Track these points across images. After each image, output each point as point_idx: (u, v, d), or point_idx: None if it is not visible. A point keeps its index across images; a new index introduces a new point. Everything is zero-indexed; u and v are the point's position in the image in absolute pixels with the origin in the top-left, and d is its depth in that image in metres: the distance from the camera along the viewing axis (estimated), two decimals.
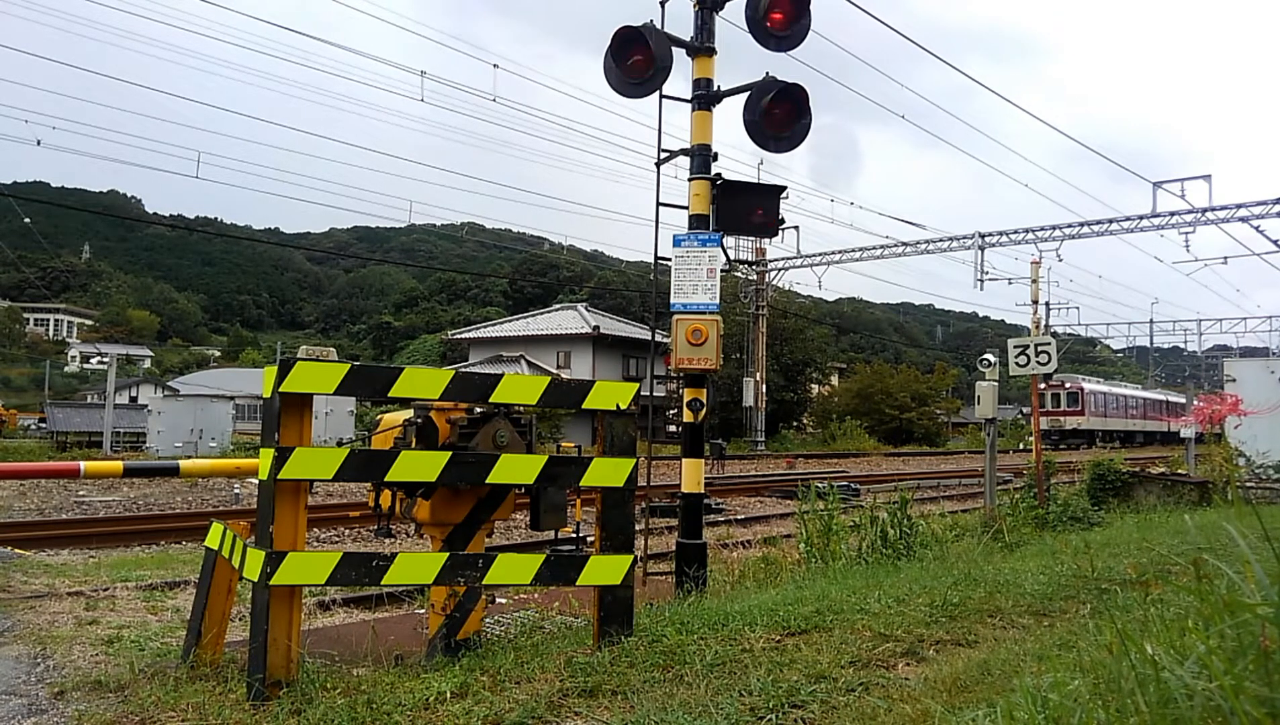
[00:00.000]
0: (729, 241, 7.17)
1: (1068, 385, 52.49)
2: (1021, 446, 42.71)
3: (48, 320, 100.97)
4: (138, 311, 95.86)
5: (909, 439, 51.65)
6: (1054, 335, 16.08)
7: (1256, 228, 29.23)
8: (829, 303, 73.46)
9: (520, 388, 3.87)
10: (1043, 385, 51.65)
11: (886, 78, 21.07)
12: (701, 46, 6.66)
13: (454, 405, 4.08)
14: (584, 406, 4.00)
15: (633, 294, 66.79)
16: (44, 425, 36.72)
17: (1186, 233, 30.86)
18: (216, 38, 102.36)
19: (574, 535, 9.53)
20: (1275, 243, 29.62)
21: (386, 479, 3.67)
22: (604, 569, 3.89)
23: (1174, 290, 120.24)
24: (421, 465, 3.63)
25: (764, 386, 38.96)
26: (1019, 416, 56.96)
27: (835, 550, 7.48)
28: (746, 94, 6.66)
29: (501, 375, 3.84)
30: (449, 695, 3.14)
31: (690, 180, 6.70)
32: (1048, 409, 49.40)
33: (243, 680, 3.40)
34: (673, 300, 6.59)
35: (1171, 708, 1.72)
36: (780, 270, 40.32)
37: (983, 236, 34.29)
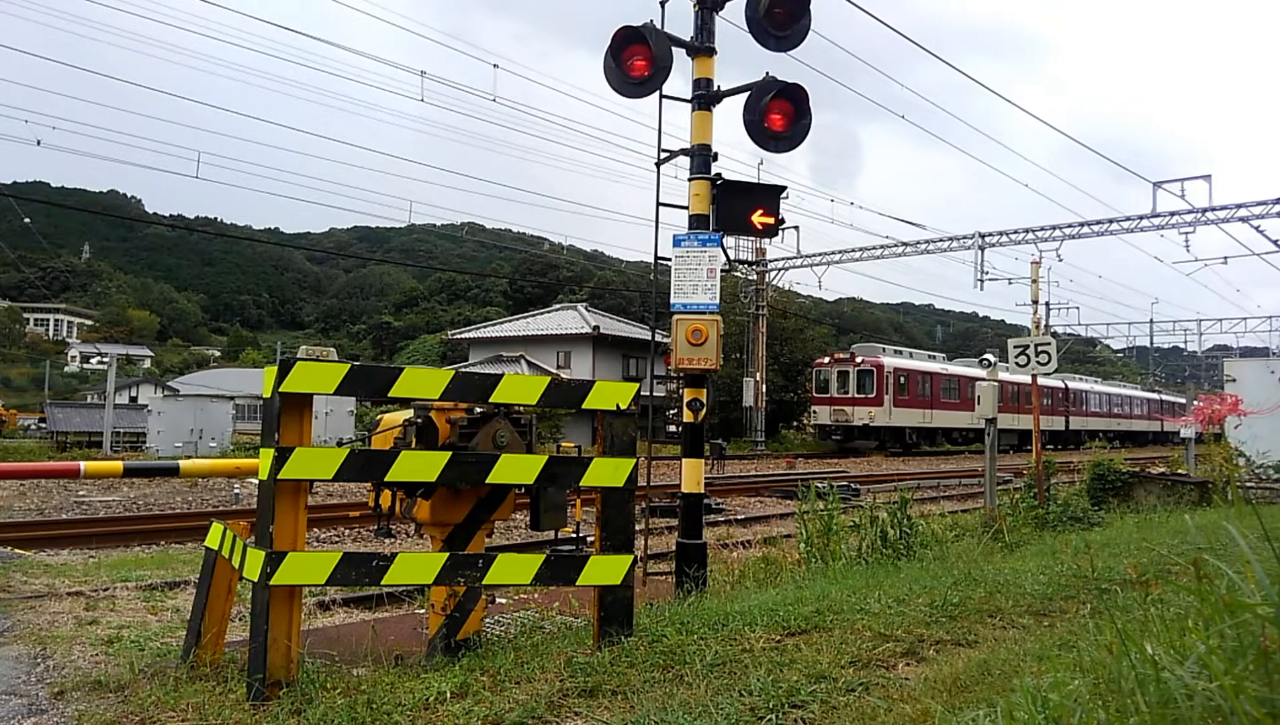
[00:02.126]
0: (729, 241, 7.17)
1: (860, 359, 36.75)
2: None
3: (48, 320, 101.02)
4: (138, 311, 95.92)
5: None
6: (1054, 335, 16.09)
7: (1256, 228, 29.24)
8: (829, 303, 73.42)
9: (520, 388, 3.87)
10: (826, 360, 38.87)
11: (887, 77, 21.08)
12: (701, 46, 6.66)
13: (454, 405, 4.08)
14: (584, 406, 4.00)
15: (633, 294, 66.76)
16: (44, 425, 36.73)
17: (1186, 233, 30.89)
18: (216, 38, 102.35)
19: (574, 535, 9.53)
20: (1275, 243, 29.63)
21: (386, 479, 3.67)
22: (604, 569, 3.89)
23: (1174, 290, 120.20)
24: (421, 465, 3.63)
25: (764, 386, 38.95)
26: None
27: (835, 550, 7.47)
28: (746, 94, 6.66)
29: (501, 375, 3.84)
30: (449, 695, 3.14)
31: (690, 180, 6.70)
32: (830, 395, 37.67)
33: (243, 680, 3.40)
34: (673, 300, 6.59)
35: (1171, 708, 1.72)
36: (780, 270, 40.33)
37: (983, 236, 34.29)
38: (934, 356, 43.60)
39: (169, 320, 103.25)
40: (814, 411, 39.96)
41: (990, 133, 27.86)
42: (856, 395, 36.69)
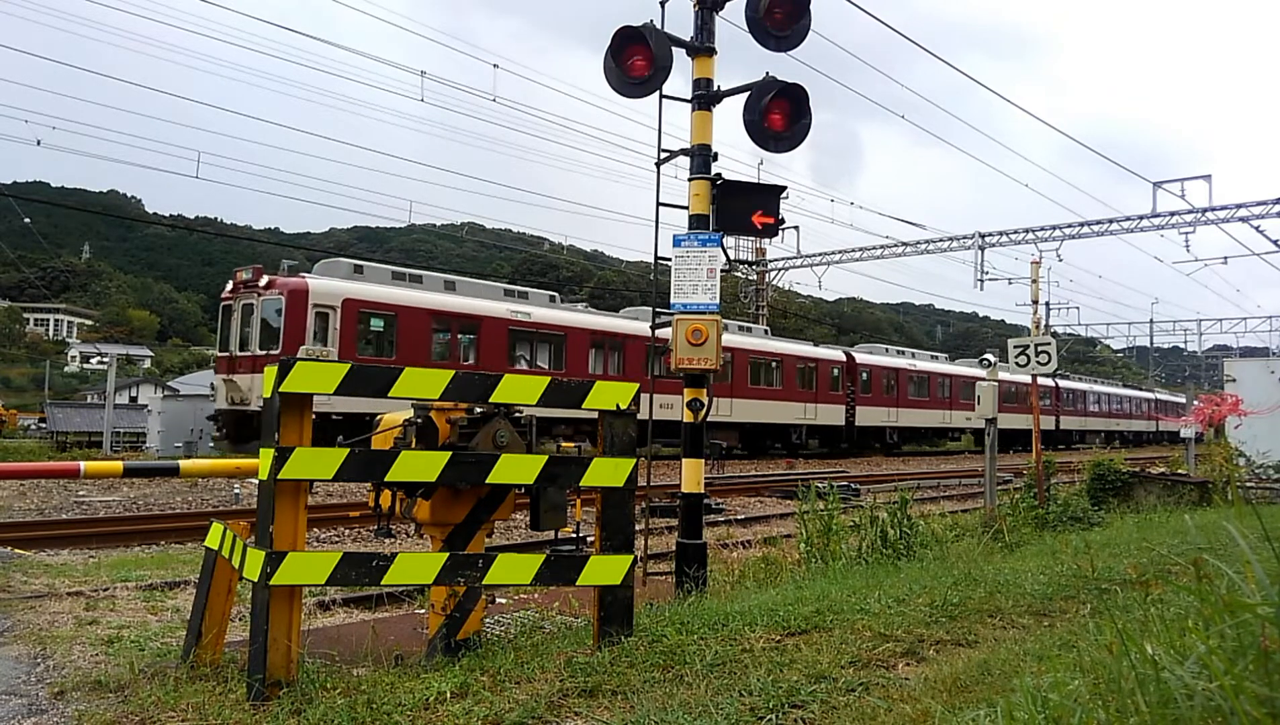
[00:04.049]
0: (729, 241, 7.17)
1: (267, 281, 19.71)
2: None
3: (48, 320, 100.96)
4: (138, 311, 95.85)
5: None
6: (1054, 335, 16.09)
7: (1256, 228, 29.28)
8: (829, 303, 73.53)
9: (520, 388, 3.87)
10: (230, 287, 20.18)
11: (886, 77, 21.09)
12: (701, 46, 6.66)
13: (454, 405, 4.08)
14: (584, 406, 4.00)
15: (633, 294, 66.70)
16: (44, 425, 36.77)
17: (1186, 233, 30.97)
18: (216, 38, 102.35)
19: (574, 535, 9.53)
20: (1275, 243, 29.66)
21: (386, 479, 3.67)
22: (604, 569, 3.89)
23: (1174, 290, 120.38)
24: (421, 465, 3.63)
25: None
26: None
27: (835, 550, 7.48)
28: (746, 94, 6.66)
29: (501, 375, 3.84)
30: (449, 695, 3.14)
31: (690, 180, 6.70)
32: (229, 353, 19.57)
33: (243, 680, 3.40)
34: (673, 300, 6.58)
35: (1171, 708, 1.72)
36: (780, 270, 40.39)
37: (983, 236, 34.33)
38: (452, 282, 23.34)
39: (169, 320, 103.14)
40: (212, 384, 22.70)
41: (990, 133, 27.93)
42: (261, 352, 19.18)
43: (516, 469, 3.79)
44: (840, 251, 38.24)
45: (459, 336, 22.32)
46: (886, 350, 38.45)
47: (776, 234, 8.15)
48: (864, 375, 34.59)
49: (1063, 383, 49.23)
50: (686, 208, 6.69)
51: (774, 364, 31.10)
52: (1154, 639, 2.23)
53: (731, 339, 27.81)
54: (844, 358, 34.11)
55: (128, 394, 52.16)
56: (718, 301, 6.51)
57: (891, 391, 35.91)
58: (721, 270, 6.57)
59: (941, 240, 36.41)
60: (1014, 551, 7.89)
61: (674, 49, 6.57)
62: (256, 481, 3.69)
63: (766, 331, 34.30)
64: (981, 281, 33.97)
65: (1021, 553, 7.67)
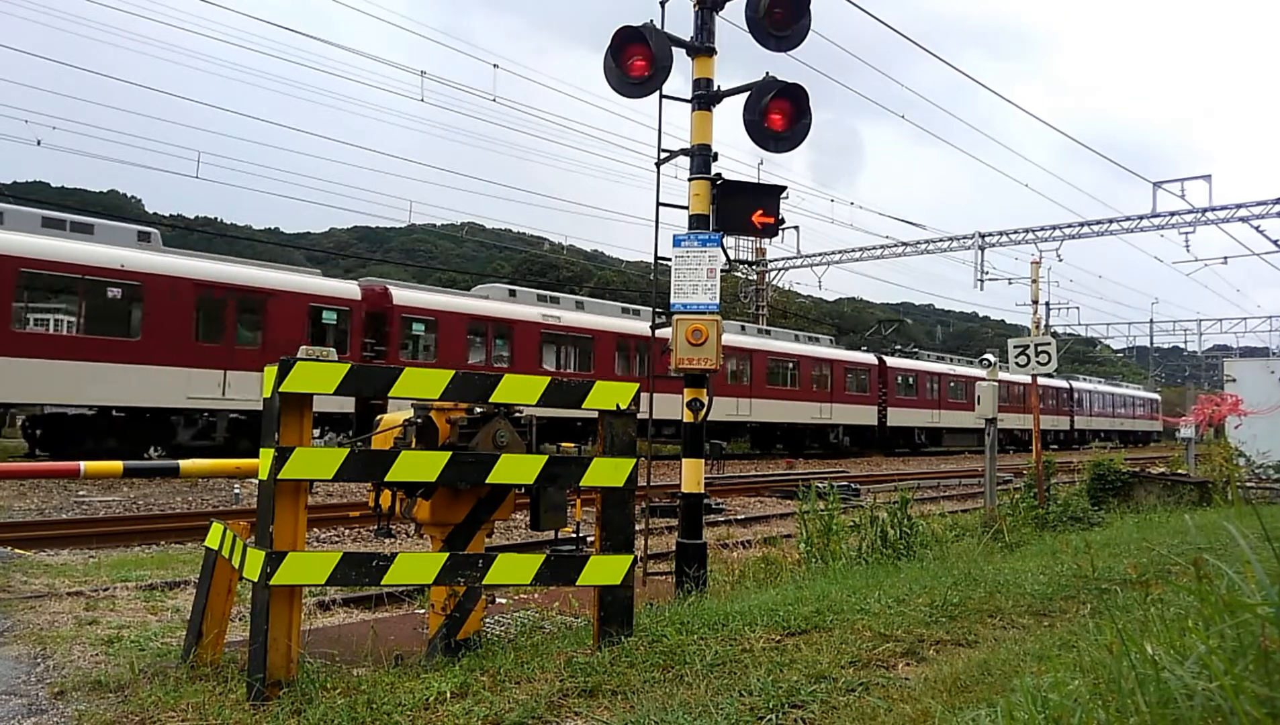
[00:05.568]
0: (729, 241, 7.16)
1: None
2: None
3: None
4: None
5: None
6: (1054, 335, 16.09)
7: (1256, 228, 29.30)
8: (829, 303, 73.42)
9: (520, 388, 3.87)
10: None
11: (886, 77, 21.10)
12: (701, 46, 6.66)
13: (454, 405, 4.08)
14: (584, 406, 4.00)
15: (633, 294, 66.61)
16: None
17: (1186, 233, 31.00)
18: (216, 38, 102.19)
19: (574, 535, 9.52)
20: (1275, 243, 29.67)
21: (386, 479, 3.67)
22: (604, 569, 3.89)
23: (1174, 290, 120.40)
24: (421, 465, 3.63)
25: None
26: None
27: (835, 550, 7.47)
28: (746, 94, 6.66)
29: (501, 375, 3.84)
30: (449, 695, 3.14)
31: (690, 180, 6.70)
32: None
33: (243, 680, 3.40)
34: (673, 300, 6.59)
35: (1171, 708, 1.72)
36: (780, 270, 40.41)
37: (983, 236, 34.34)
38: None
39: None
40: None
41: (990, 132, 27.95)
42: None
43: (516, 469, 3.79)
44: (840, 251, 38.28)
45: None
46: (540, 297, 24.15)
47: (776, 234, 8.14)
48: (478, 336, 21.34)
49: (893, 362, 34.67)
50: (686, 208, 6.69)
51: (253, 306, 18.59)
52: (1154, 639, 2.23)
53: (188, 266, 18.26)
54: (483, 315, 21.25)
55: None
56: (718, 301, 6.51)
57: (533, 359, 22.07)
58: (721, 270, 6.57)
59: (941, 240, 36.42)
60: (1014, 551, 7.89)
61: (674, 49, 6.57)
62: (256, 481, 3.69)
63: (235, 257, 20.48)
64: (981, 281, 34.00)
65: (1021, 553, 7.68)
